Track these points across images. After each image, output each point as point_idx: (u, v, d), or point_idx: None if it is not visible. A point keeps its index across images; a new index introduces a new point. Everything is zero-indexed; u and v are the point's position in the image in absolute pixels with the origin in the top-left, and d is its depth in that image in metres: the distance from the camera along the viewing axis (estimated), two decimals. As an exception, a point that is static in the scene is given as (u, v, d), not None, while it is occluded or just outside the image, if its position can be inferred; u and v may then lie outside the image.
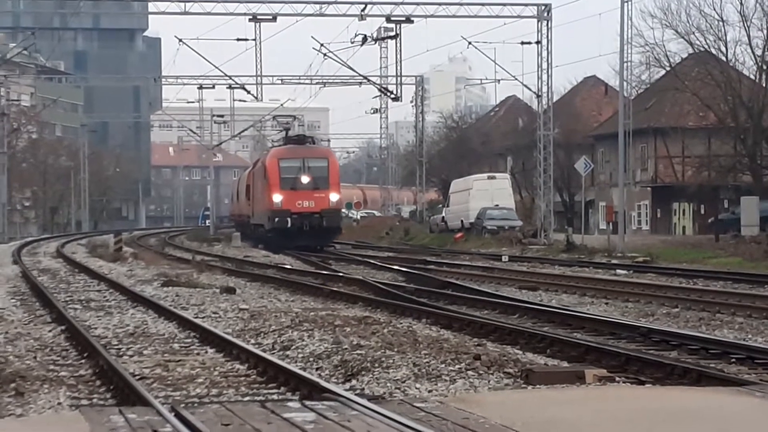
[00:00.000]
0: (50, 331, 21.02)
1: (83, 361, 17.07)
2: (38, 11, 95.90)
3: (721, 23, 70.20)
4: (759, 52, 70.09)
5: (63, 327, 21.20)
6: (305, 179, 57.25)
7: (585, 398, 12.02)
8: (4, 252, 57.72)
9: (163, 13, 63.44)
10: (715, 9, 69.94)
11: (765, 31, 69.87)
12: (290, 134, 66.30)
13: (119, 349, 18.29)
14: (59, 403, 13.51)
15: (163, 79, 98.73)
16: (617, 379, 14.56)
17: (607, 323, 20.72)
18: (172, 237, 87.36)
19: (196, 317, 22.36)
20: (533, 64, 63.30)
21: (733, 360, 16.06)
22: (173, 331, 20.57)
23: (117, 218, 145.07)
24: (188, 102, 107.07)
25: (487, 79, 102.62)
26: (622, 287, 30.32)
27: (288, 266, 43.41)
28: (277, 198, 57.02)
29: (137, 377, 14.72)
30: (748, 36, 70.14)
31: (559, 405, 10.87)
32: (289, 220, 56.02)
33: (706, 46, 71.35)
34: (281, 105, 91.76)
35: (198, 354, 17.64)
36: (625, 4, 52.62)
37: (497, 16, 61.96)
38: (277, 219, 56.34)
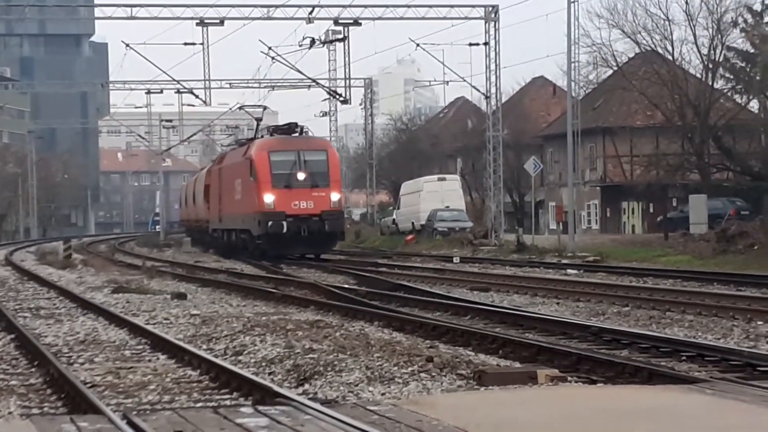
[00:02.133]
0: None
1: (33, 369, 16.94)
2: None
3: (667, 22, 70.80)
4: (705, 50, 70.72)
5: (12, 335, 21.05)
6: (302, 176, 48.70)
7: (537, 398, 12.06)
8: (-48, 261, 57.27)
9: (110, 18, 63.05)
10: (660, 8, 70.53)
11: (711, 30, 70.52)
12: (262, 126, 59.98)
13: (70, 357, 18.16)
14: (10, 413, 13.40)
15: (111, 85, 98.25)
16: (569, 378, 14.58)
17: (558, 323, 20.76)
18: (122, 243, 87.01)
19: (147, 323, 22.24)
20: (482, 65, 63.60)
21: (684, 358, 16.12)
22: (124, 338, 20.46)
23: (66, 225, 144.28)
24: (136, 107, 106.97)
25: (435, 80, 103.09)
26: (573, 287, 30.43)
27: (239, 270, 43.25)
28: (269, 198, 48.18)
29: (88, 385, 14.61)
30: (694, 35, 70.77)
31: (511, 406, 10.90)
32: (284, 224, 47.40)
33: (652, 46, 71.93)
34: (230, 109, 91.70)
35: (149, 361, 17.55)
36: (572, 4, 52.88)
37: (445, 18, 62.19)
38: (270, 223, 47.47)
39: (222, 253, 58.41)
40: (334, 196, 49.26)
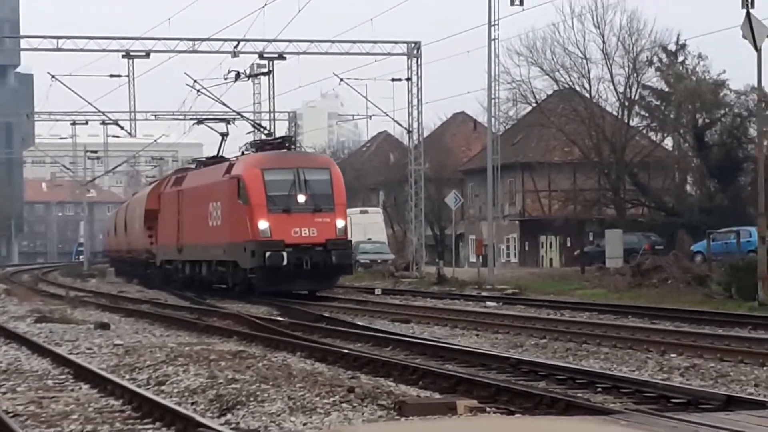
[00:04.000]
0: None
1: (-45, 398, 16.77)
2: None
3: (584, 61, 71.69)
4: (621, 89, 71.77)
5: (-67, 364, 20.82)
6: (302, 198, 41.02)
7: (456, 429, 12.07)
8: None
9: (36, 49, 62.69)
10: (578, 47, 71.44)
11: (627, 69, 71.52)
12: (227, 142, 51.98)
13: (-8, 386, 18.00)
14: (-70, 443, 13.26)
15: (36, 115, 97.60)
16: (488, 409, 14.61)
17: (477, 354, 20.78)
18: (46, 273, 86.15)
19: (70, 353, 22.07)
20: (404, 100, 63.90)
21: (599, 389, 16.21)
22: (47, 368, 20.29)
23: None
24: (61, 138, 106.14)
25: (358, 115, 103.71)
26: (492, 319, 30.51)
27: (162, 301, 42.94)
28: (264, 224, 40.32)
29: (11, 414, 14.48)
30: (611, 73, 71.71)
31: (431, 436, 10.92)
32: (284, 255, 39.81)
33: (570, 83, 72.71)
34: (155, 140, 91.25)
35: (72, 390, 17.40)
36: (493, 42, 53.22)
37: (368, 54, 62.42)
38: (268, 254, 39.56)
39: (146, 284, 57.69)
40: (340, 223, 41.56)
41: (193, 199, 48.27)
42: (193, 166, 54.65)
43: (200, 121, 56.86)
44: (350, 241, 44.55)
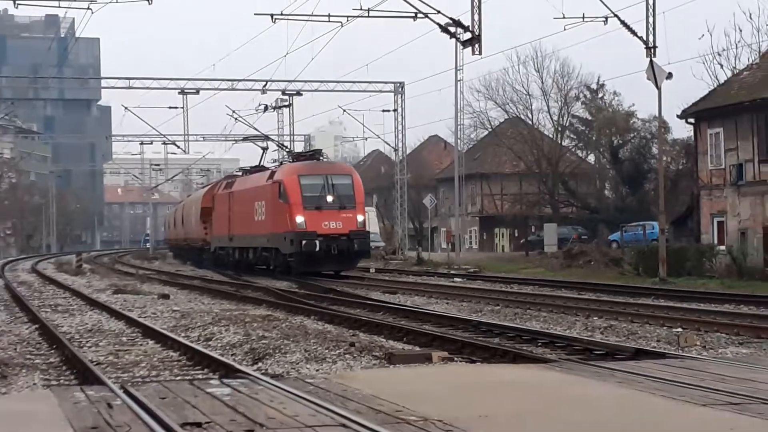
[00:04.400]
0: (27, 329, 20.62)
1: (53, 351, 16.76)
2: (16, 86, 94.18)
3: (528, 97, 72.09)
4: (555, 117, 72.34)
5: (37, 326, 20.81)
6: (330, 198, 40.49)
7: (432, 374, 12.10)
8: (-9, 269, 56.40)
9: (112, 87, 63.07)
10: (523, 86, 71.89)
11: (560, 102, 71.96)
12: (268, 156, 52.56)
13: (80, 342, 17.98)
14: (34, 384, 13.25)
15: (113, 137, 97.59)
16: (456, 359, 14.66)
17: (448, 318, 20.80)
18: (121, 256, 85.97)
19: (139, 317, 22.08)
20: (391, 126, 64.16)
21: (539, 344, 16.23)
22: (122, 328, 20.29)
23: (78, 242, 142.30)
24: (132, 154, 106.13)
25: (357, 137, 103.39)
26: (459, 291, 30.52)
27: (209, 277, 42.91)
28: (300, 219, 39.87)
29: (94, 363, 14.48)
30: (548, 106, 72.13)
31: (413, 379, 10.93)
32: (317, 242, 39.39)
33: (517, 113, 73.08)
34: (203, 156, 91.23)
35: (141, 345, 17.41)
36: (458, 82, 53.30)
37: (364, 90, 62.61)
38: (304, 242, 39.25)
39: (197, 265, 57.49)
40: (360, 217, 40.91)
41: (242, 199, 47.27)
42: (240, 173, 53.66)
43: (245, 138, 56.22)
44: (368, 231, 43.18)
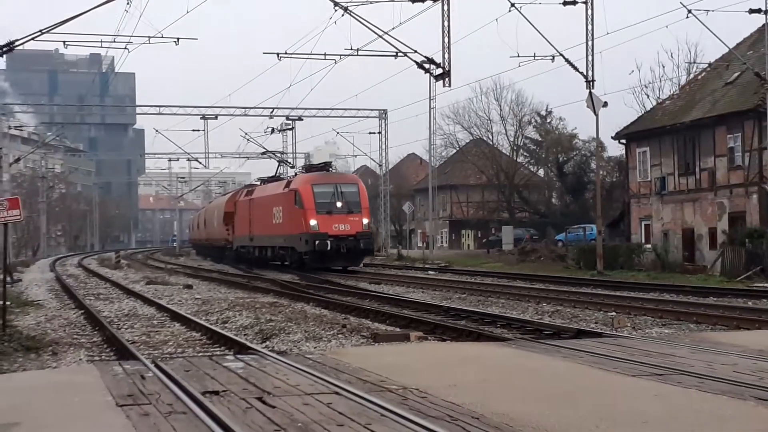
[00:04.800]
0: (74, 314, 20.54)
1: (95, 332, 16.71)
2: (65, 112, 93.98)
3: (489, 121, 72.34)
4: (512, 138, 72.33)
5: (82, 311, 20.74)
6: (339, 204, 39.07)
7: (410, 350, 12.11)
8: (45, 264, 56.13)
9: (145, 113, 64.14)
10: (485, 113, 72.11)
11: (515, 126, 71.94)
12: (310, 163, 50.71)
13: (118, 324, 17.92)
14: (80, 359, 13.21)
15: (146, 155, 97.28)
16: (430, 338, 14.67)
17: (423, 304, 20.80)
18: (152, 254, 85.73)
19: (168, 303, 22.01)
20: (377, 145, 63.94)
21: (499, 325, 16.25)
22: (153, 313, 20.24)
23: (117, 242, 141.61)
24: (162, 169, 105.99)
25: (348, 155, 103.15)
26: (432, 282, 30.51)
27: (226, 271, 42.75)
28: (314, 222, 38.50)
29: (130, 342, 14.45)
30: (505, 129, 72.29)
31: (394, 354, 10.94)
32: (328, 242, 38.01)
33: (480, 135, 73.23)
34: (221, 170, 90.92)
35: (169, 327, 17.37)
36: (432, 109, 53.42)
37: (354, 116, 62.46)
38: (317, 242, 37.95)
39: (216, 261, 57.29)
40: (365, 220, 39.33)
41: (261, 205, 45.47)
42: (258, 183, 52.17)
43: (264, 153, 53.98)
44: (372, 233, 41.24)
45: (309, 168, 45.01)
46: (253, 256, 47.17)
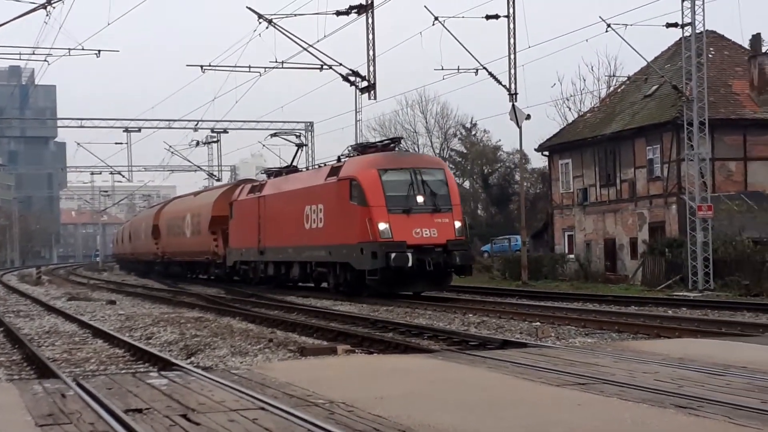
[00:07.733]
0: (-7, 332, 20.01)
1: (15, 350, 16.29)
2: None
3: (415, 133, 72.80)
4: (437, 150, 72.82)
5: (1, 329, 20.21)
6: (421, 198, 26.57)
7: (337, 363, 12.06)
8: (-39, 281, 54.60)
9: (67, 126, 62.60)
10: (411, 125, 72.72)
11: (440, 138, 72.70)
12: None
13: (39, 342, 17.52)
14: (-1, 379, 12.86)
15: (68, 169, 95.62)
16: (357, 350, 14.66)
17: (350, 316, 20.80)
18: (74, 269, 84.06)
19: (90, 320, 21.62)
20: (304, 159, 63.73)
21: (425, 337, 16.32)
22: (75, 329, 19.83)
23: (38, 257, 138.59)
24: (84, 183, 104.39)
25: (274, 167, 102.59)
26: (359, 294, 30.46)
27: (150, 286, 42.11)
28: (384, 225, 25.95)
29: (51, 360, 14.12)
30: (431, 141, 72.93)
31: (322, 368, 10.89)
32: (409, 256, 25.57)
33: (406, 147, 73.34)
34: (145, 184, 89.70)
35: (91, 344, 17.03)
36: (358, 122, 53.53)
37: (280, 129, 62.07)
38: (393, 255, 25.42)
39: (140, 275, 56.40)
40: (458, 224, 26.78)
41: (281, 204, 32.95)
42: (263, 178, 39.60)
43: (274, 134, 39.54)
44: (468, 241, 28.03)
45: (364, 148, 29.90)
46: (264, 275, 34.88)
